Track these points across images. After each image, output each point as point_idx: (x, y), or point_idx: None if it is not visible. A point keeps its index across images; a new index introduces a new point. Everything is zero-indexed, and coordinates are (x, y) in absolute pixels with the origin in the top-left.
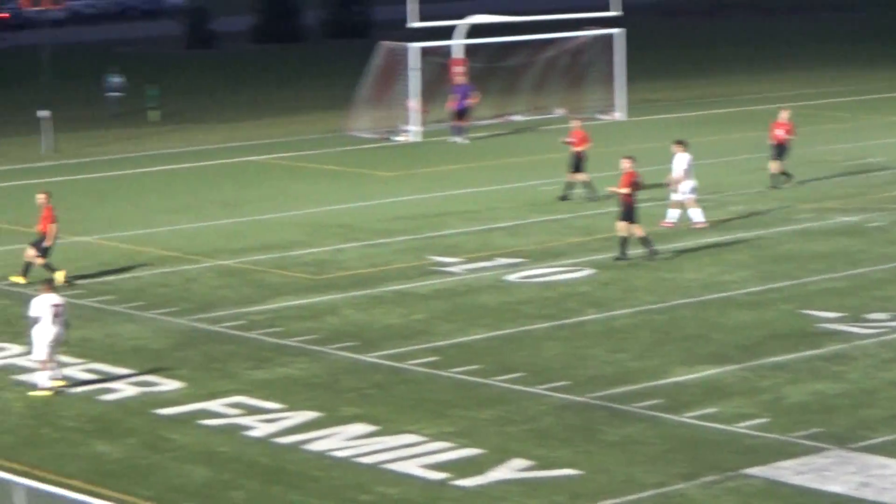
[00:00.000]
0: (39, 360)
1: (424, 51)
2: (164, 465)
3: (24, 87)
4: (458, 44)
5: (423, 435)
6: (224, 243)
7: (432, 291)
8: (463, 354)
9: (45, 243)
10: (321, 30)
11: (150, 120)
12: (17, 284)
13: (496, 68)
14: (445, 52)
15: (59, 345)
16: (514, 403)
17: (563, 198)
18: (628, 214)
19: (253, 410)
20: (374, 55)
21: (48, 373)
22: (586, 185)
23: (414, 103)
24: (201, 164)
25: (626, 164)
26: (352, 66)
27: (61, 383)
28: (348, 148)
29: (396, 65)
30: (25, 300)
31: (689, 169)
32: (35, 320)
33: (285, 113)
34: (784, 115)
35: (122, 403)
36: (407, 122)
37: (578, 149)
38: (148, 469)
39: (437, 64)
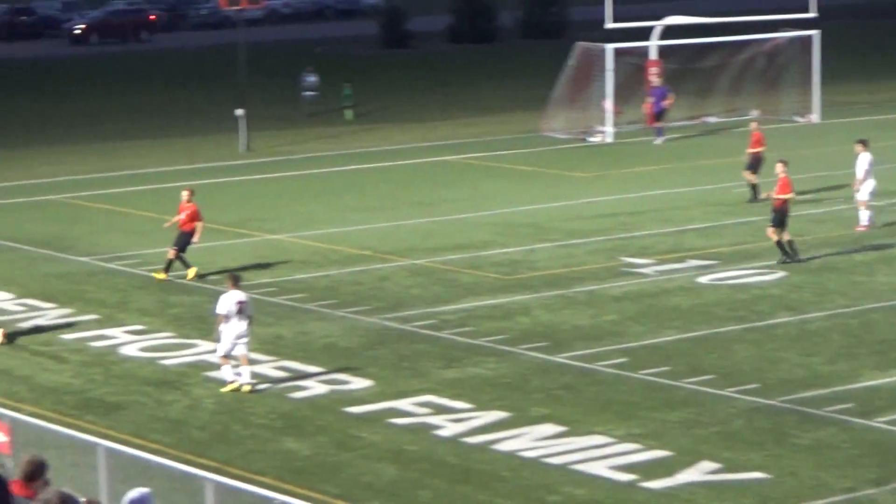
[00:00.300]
0: (224, 356)
1: (620, 51)
2: (352, 462)
3: (221, 86)
4: (654, 45)
5: (612, 436)
6: (417, 242)
7: (623, 293)
8: (653, 356)
9: (194, 240)
10: (517, 30)
11: (345, 119)
12: (205, 280)
13: (691, 69)
14: (641, 53)
15: (243, 341)
16: (704, 406)
17: (754, 200)
18: (777, 219)
19: (442, 410)
20: (569, 56)
21: (242, 368)
22: (753, 186)
23: (609, 104)
24: (396, 163)
25: (780, 168)
26: (547, 67)
27: (248, 387)
28: (543, 148)
29: (592, 65)
30: (215, 296)
31: (870, 169)
32: (221, 317)
33: (480, 113)
34: None
35: (313, 401)
36: (602, 123)
37: (755, 150)
38: (336, 466)
39: (631, 65)
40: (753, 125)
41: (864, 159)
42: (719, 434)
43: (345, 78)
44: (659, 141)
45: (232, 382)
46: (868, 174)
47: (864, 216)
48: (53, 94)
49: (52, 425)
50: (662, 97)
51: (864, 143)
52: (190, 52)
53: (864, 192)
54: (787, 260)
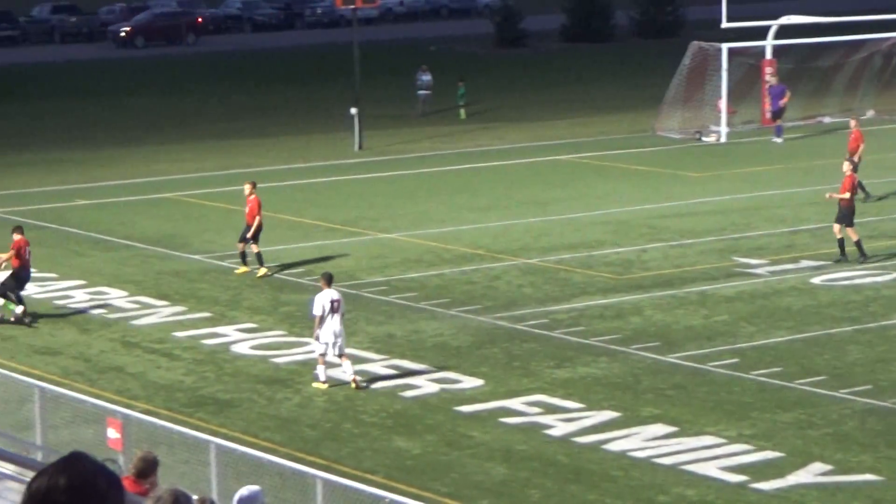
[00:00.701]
0: (322, 355)
1: (734, 51)
2: (462, 461)
3: (336, 85)
4: (769, 44)
5: (723, 437)
6: (530, 241)
7: (736, 293)
8: (765, 357)
9: (248, 235)
10: (632, 29)
11: (459, 118)
12: (317, 280)
13: (806, 69)
14: (755, 52)
15: (341, 339)
16: (816, 407)
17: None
18: (845, 217)
19: (553, 409)
20: (684, 55)
21: (345, 365)
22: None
23: (723, 104)
24: (509, 162)
25: (847, 167)
26: (662, 66)
27: (353, 382)
28: (656, 148)
29: (706, 65)
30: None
31: None
32: (316, 316)
33: (594, 112)
34: None
35: (423, 400)
36: (716, 123)
37: (853, 150)
38: (446, 465)
39: (746, 64)
40: (853, 123)
41: None
42: (831, 435)
43: (458, 77)
44: (779, 140)
45: (323, 382)
46: None
47: None
48: (170, 92)
49: (164, 422)
50: (780, 95)
51: None
52: (305, 51)
53: None
54: (862, 258)
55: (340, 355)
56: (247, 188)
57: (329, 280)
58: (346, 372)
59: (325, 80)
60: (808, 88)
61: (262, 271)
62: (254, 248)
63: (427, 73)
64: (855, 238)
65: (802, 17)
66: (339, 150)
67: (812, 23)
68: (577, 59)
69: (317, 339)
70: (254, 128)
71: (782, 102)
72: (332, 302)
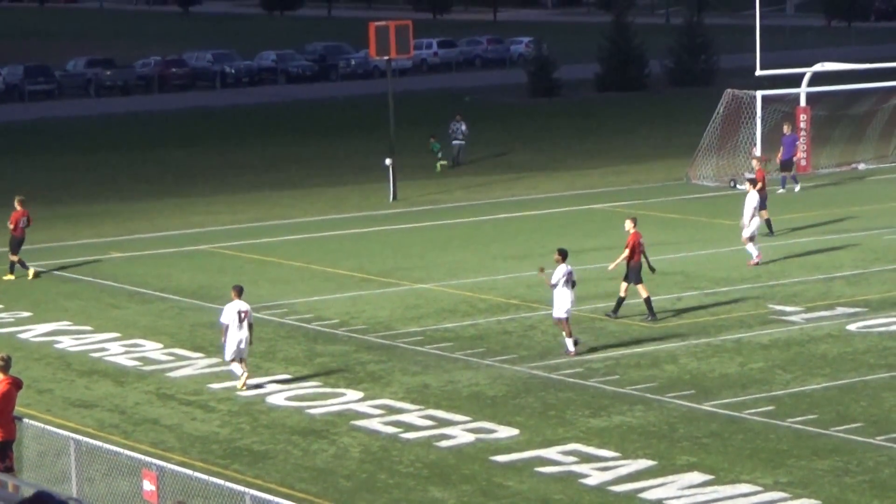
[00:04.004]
0: (233, 359)
1: (769, 98)
2: None
3: (370, 135)
4: (803, 91)
5: (759, 484)
6: None
7: (771, 340)
8: (801, 404)
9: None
10: (666, 78)
11: (436, 172)
12: (353, 330)
13: (841, 116)
14: (789, 99)
15: (246, 347)
16: (852, 454)
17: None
18: (633, 275)
19: (588, 458)
20: (718, 103)
21: (235, 366)
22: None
23: (757, 151)
24: (543, 211)
25: (629, 225)
26: (696, 114)
27: (243, 386)
28: (690, 196)
29: (740, 113)
30: (367, 347)
31: (756, 209)
32: (225, 326)
33: (628, 161)
34: None
35: (459, 450)
36: (750, 171)
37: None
38: None
39: (781, 112)
40: (755, 163)
41: (751, 198)
42: (868, 483)
43: (492, 127)
44: (783, 190)
45: (241, 377)
46: (753, 214)
47: (752, 249)
48: (203, 144)
49: (199, 474)
50: (792, 146)
51: (752, 181)
52: (339, 103)
53: (747, 229)
54: (651, 318)
55: (241, 360)
56: (16, 202)
57: (240, 292)
58: (239, 375)
59: (360, 131)
60: (843, 135)
61: (9, 276)
62: (12, 258)
63: (462, 123)
64: (644, 295)
65: (836, 64)
66: (374, 200)
67: (846, 70)
68: (612, 108)
69: (222, 346)
70: (288, 179)
71: (795, 153)
72: (240, 313)
